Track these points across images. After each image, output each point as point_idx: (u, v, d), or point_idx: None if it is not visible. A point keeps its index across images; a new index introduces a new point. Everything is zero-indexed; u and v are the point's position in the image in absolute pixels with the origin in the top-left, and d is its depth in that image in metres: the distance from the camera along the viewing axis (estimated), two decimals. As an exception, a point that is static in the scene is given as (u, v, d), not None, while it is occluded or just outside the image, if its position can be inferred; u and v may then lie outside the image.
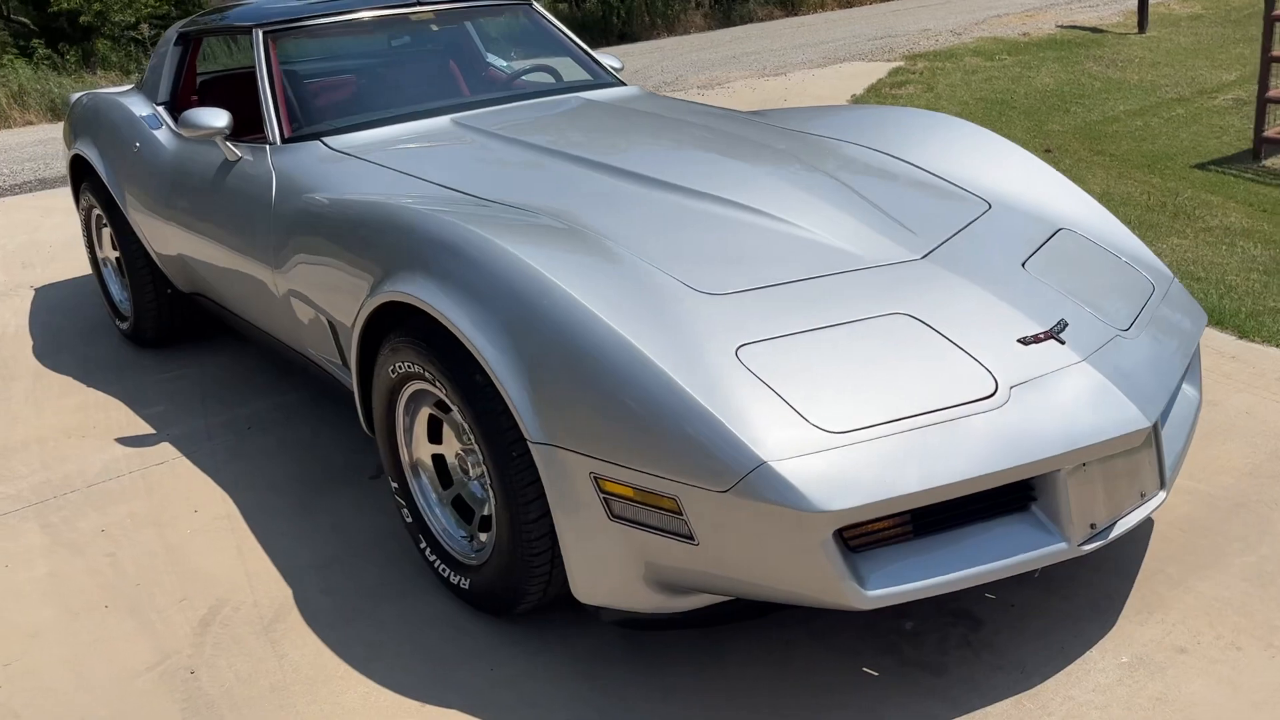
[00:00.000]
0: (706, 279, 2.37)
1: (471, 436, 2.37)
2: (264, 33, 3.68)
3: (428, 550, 2.70)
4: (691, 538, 2.05)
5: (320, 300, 2.98)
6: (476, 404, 2.29)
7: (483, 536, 2.57)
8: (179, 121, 3.48)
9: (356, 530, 3.03)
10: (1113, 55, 11.24)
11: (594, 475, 2.13)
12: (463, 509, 2.69)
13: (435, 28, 3.99)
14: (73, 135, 4.54)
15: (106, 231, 4.63)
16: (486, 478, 2.37)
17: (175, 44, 4.19)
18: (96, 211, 4.52)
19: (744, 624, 2.47)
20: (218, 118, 3.43)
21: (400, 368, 2.53)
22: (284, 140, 3.41)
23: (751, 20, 19.09)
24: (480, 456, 2.37)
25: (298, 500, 3.23)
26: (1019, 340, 2.25)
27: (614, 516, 2.15)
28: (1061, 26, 13.22)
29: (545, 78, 4.05)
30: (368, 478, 3.33)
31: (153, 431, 3.77)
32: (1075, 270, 2.64)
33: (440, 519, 2.69)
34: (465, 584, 2.57)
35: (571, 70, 4.12)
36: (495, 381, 2.21)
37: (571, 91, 3.85)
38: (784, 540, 1.96)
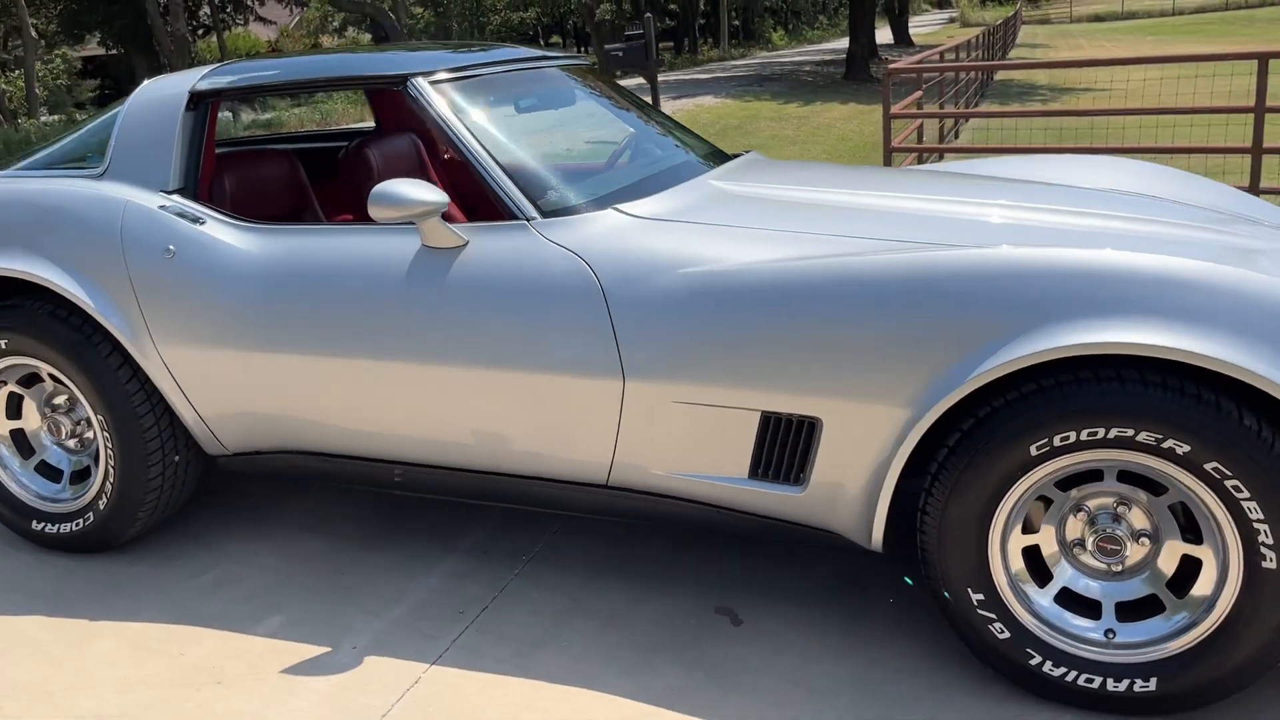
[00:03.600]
0: None
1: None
2: (431, 84, 2.79)
3: (1046, 665, 2.22)
4: None
5: (767, 393, 2.32)
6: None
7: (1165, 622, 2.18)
8: (373, 199, 2.51)
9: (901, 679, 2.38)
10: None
11: None
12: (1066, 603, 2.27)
13: (581, 90, 3.32)
14: None
15: (6, 391, 3.10)
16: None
17: (188, 108, 2.96)
18: (12, 361, 3.00)
19: None
20: (431, 191, 2.53)
21: (1058, 441, 2.08)
22: (544, 214, 2.61)
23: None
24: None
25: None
26: None
27: None
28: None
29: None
30: (733, 625, 2.62)
31: (325, 649, 2.59)
32: None
33: (1059, 622, 2.23)
34: (1150, 686, 2.16)
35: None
36: None
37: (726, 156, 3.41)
38: None
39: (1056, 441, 2.09)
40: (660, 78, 28.21)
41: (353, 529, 3.22)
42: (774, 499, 2.45)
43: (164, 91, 3.03)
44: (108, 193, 2.91)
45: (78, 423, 3.09)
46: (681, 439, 2.46)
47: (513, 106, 3.06)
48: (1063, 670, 2.22)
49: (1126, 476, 2.17)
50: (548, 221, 2.60)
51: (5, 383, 3.10)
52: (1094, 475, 2.19)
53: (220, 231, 2.83)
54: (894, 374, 2.21)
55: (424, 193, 2.54)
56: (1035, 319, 2.10)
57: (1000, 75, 21.67)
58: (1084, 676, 2.21)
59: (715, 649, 2.54)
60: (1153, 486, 2.16)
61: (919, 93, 10.20)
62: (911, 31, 39.51)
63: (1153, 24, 43.91)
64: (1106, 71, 20.63)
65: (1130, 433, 2.04)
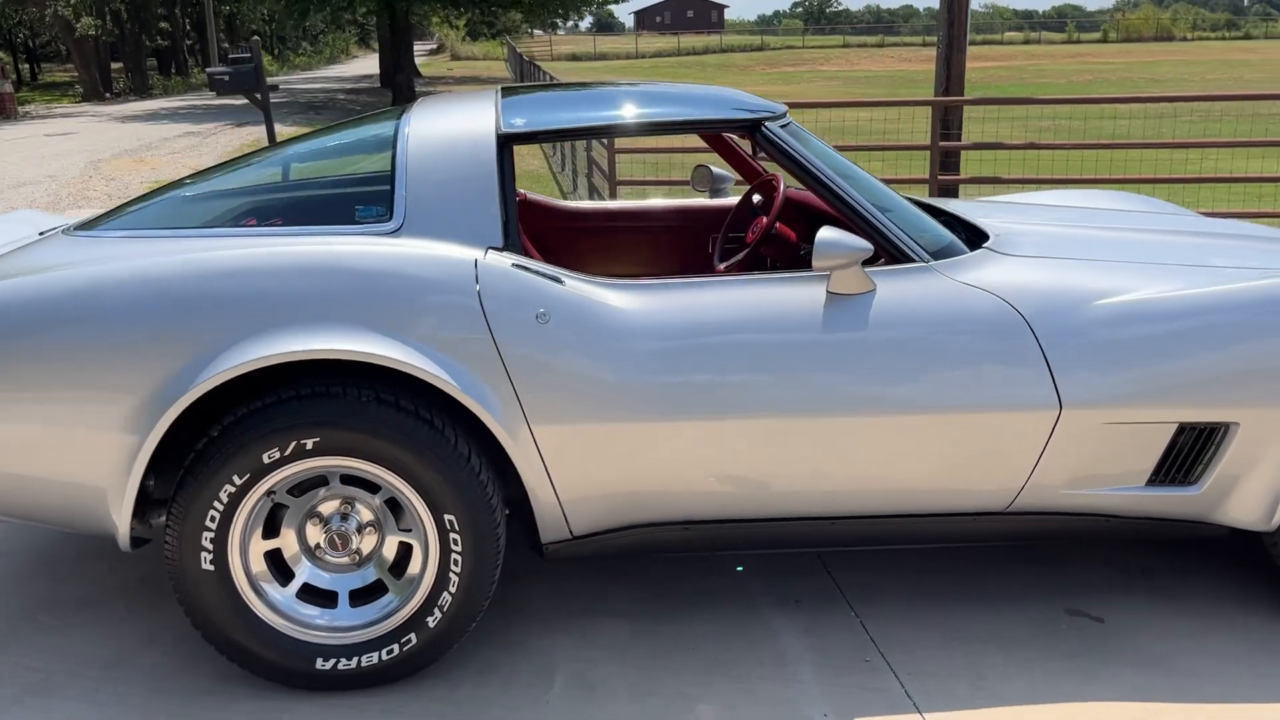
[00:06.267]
0: None
1: None
2: (781, 128, 2.72)
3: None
4: None
5: (1189, 406, 2.64)
6: None
7: None
8: (822, 247, 2.47)
9: None
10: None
11: None
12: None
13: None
14: (241, 324, 2.35)
15: (270, 504, 2.45)
16: None
17: (498, 150, 2.55)
18: (314, 465, 2.38)
19: None
20: (856, 238, 2.54)
21: None
22: (934, 257, 2.70)
23: None
24: None
25: None
26: None
27: None
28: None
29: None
30: (1099, 623, 2.88)
31: (802, 723, 2.45)
32: None
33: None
34: None
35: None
36: None
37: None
38: None
39: None
40: (193, 102, 26.12)
41: (632, 605, 2.96)
42: (1168, 501, 2.76)
43: (459, 132, 2.61)
44: (440, 252, 2.45)
45: (360, 530, 2.54)
46: (1096, 457, 2.68)
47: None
48: None
49: None
50: (945, 263, 2.69)
51: (273, 493, 2.45)
52: None
53: (589, 291, 2.52)
54: None
55: (859, 239, 2.52)
56: None
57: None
58: None
59: (1116, 645, 2.77)
60: None
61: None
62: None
63: (623, 65, 48.61)
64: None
65: None
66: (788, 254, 3.48)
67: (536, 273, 2.50)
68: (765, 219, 3.39)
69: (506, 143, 2.63)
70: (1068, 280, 2.72)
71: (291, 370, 2.46)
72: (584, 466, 2.52)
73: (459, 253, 2.48)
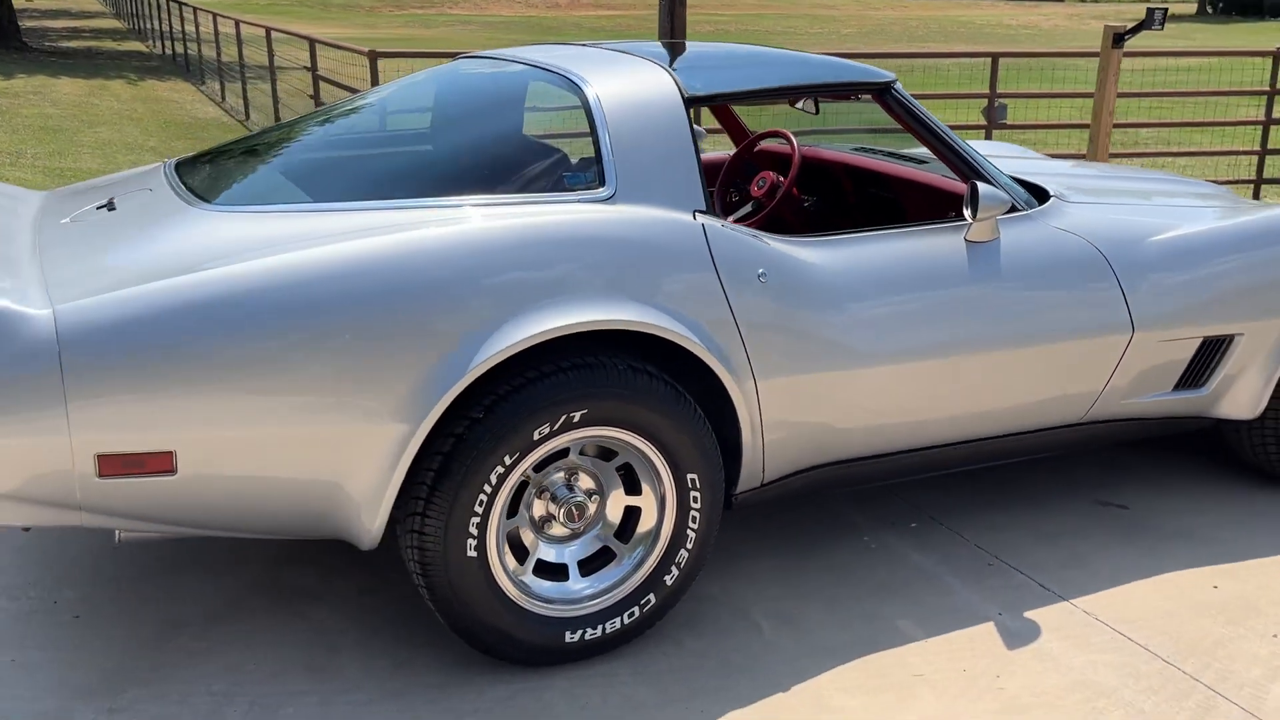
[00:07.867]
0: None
1: None
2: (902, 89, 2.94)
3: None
4: None
5: (1214, 323, 3.20)
6: None
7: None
8: (986, 200, 2.76)
9: None
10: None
11: None
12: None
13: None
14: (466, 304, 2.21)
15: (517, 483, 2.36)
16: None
17: (687, 109, 2.54)
18: (576, 437, 2.32)
19: None
20: (1002, 193, 2.87)
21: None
22: (1028, 206, 3.06)
23: None
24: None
25: None
26: None
27: None
28: None
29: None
30: (1126, 510, 3.43)
31: (985, 624, 2.76)
32: None
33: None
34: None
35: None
36: None
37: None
38: None
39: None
40: None
41: (768, 545, 3.12)
42: (1183, 402, 3.33)
43: (650, 95, 2.59)
44: (668, 217, 2.45)
45: (590, 498, 2.51)
46: (1147, 370, 3.19)
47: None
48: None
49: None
50: (1038, 212, 3.06)
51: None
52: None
53: (788, 248, 2.64)
54: None
55: (1004, 193, 2.83)
56: None
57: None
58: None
59: (1151, 526, 3.31)
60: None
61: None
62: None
63: (237, 3, 45.15)
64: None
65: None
66: (792, 208, 3.72)
67: (747, 234, 2.58)
68: (779, 176, 3.60)
69: (689, 105, 2.66)
70: (1124, 222, 3.18)
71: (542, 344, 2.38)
72: (791, 415, 2.65)
73: (682, 217, 2.50)
